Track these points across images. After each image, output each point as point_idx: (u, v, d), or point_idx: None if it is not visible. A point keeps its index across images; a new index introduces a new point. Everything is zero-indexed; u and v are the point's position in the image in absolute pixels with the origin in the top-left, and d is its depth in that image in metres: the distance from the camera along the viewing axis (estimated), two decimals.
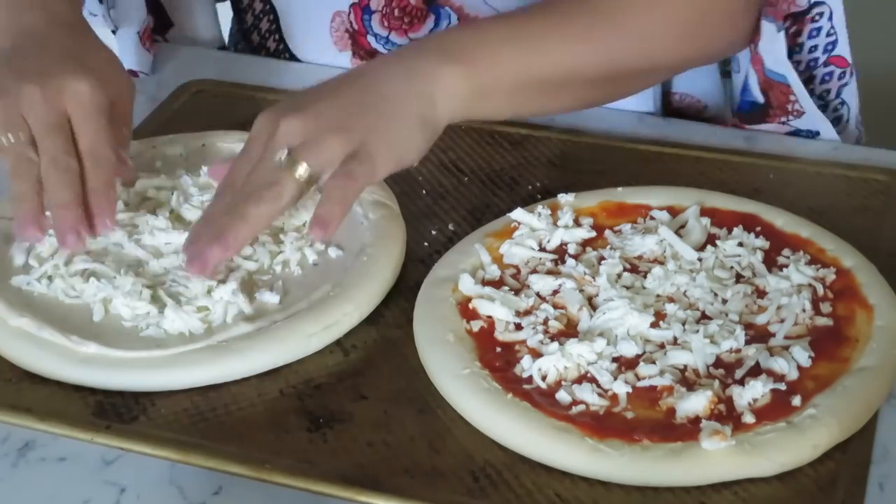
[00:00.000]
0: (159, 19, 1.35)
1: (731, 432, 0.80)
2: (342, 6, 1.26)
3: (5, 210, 1.03)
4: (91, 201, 0.93)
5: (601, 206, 1.03)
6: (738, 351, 0.87)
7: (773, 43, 1.10)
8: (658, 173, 1.10)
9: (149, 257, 0.96)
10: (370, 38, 1.25)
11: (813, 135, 1.15)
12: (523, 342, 0.89)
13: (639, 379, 0.85)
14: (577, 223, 1.00)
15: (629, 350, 0.87)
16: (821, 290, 0.92)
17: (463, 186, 1.10)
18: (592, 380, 0.85)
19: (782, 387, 0.84)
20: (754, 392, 0.83)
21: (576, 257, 0.97)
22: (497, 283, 0.95)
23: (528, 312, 0.92)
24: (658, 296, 0.92)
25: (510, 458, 0.82)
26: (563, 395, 0.84)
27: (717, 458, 0.79)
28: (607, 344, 0.87)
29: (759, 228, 0.99)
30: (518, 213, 1.01)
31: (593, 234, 0.99)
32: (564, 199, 1.03)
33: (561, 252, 0.98)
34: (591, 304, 0.92)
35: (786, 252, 0.97)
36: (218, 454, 0.83)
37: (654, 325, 0.89)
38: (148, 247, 0.97)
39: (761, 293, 0.93)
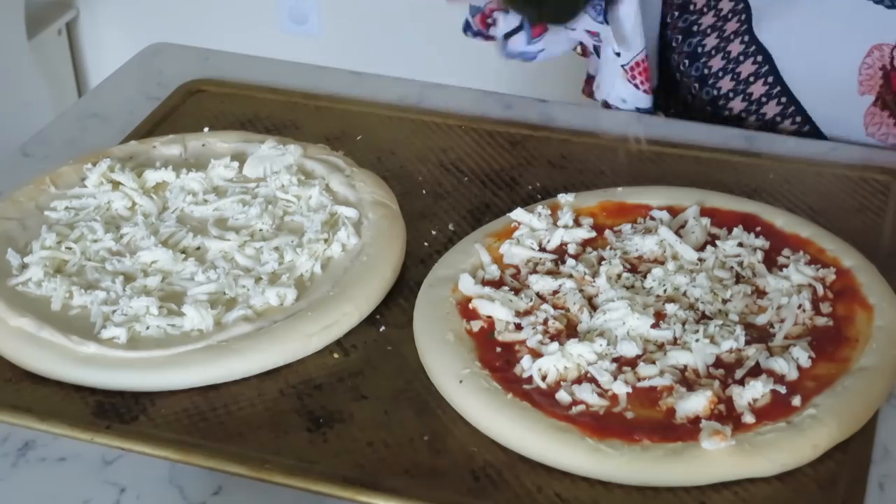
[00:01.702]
0: None
1: (731, 432, 0.80)
2: (888, 38, 1.10)
3: (5, 210, 1.03)
4: None
5: (601, 206, 1.03)
6: (739, 351, 0.87)
7: None
8: (658, 173, 1.10)
9: (144, 269, 0.97)
10: None
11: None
12: (523, 342, 0.89)
13: (639, 379, 0.85)
14: (577, 223, 1.00)
15: (629, 350, 0.87)
16: (821, 290, 0.92)
17: (463, 186, 1.10)
18: (592, 380, 0.85)
19: (782, 387, 0.84)
20: (754, 392, 0.83)
21: (576, 257, 0.97)
22: (497, 283, 0.95)
23: (528, 312, 0.92)
24: (658, 296, 0.92)
25: (510, 458, 0.82)
26: (563, 395, 0.84)
27: (717, 458, 0.79)
28: (607, 344, 0.87)
29: (759, 228, 0.99)
30: (518, 213, 1.01)
31: (593, 234, 0.99)
32: (564, 199, 1.03)
33: (561, 252, 0.98)
34: (591, 304, 0.92)
35: (786, 252, 0.97)
36: (218, 454, 0.83)
37: (655, 325, 0.89)
38: (138, 263, 0.97)
39: (761, 293, 0.93)
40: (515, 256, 0.97)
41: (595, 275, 0.94)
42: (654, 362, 0.86)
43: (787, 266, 0.94)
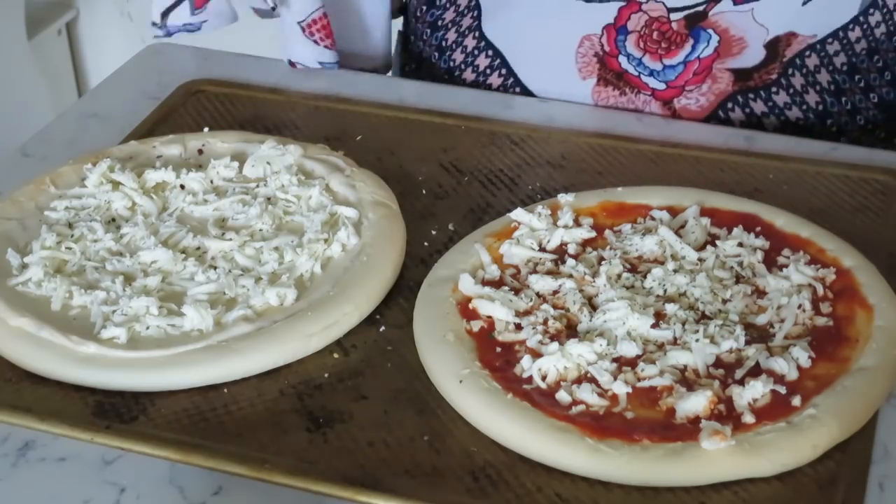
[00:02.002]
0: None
1: (731, 432, 0.80)
2: (594, 29, 1.22)
3: (5, 210, 1.03)
4: None
5: (601, 206, 1.03)
6: (739, 351, 0.87)
7: None
8: (658, 173, 1.10)
9: (143, 269, 0.97)
10: (622, 59, 1.22)
11: None
12: (523, 342, 0.89)
13: (639, 379, 0.85)
14: (577, 223, 1.00)
15: (629, 350, 0.87)
16: (821, 290, 0.92)
17: (463, 186, 1.10)
18: (592, 380, 0.85)
19: (782, 387, 0.84)
20: (754, 392, 0.83)
21: (576, 257, 0.97)
22: (497, 283, 0.95)
23: (528, 312, 0.92)
24: (658, 296, 0.92)
25: (510, 458, 0.82)
26: (563, 395, 0.84)
27: (717, 458, 0.79)
28: (607, 344, 0.87)
29: (759, 228, 0.99)
30: (518, 213, 1.01)
31: (593, 234, 0.99)
32: (564, 199, 1.03)
33: (561, 252, 0.98)
34: (591, 304, 0.92)
35: (786, 252, 0.97)
36: (218, 454, 0.83)
37: (655, 325, 0.89)
38: (138, 263, 0.97)
39: (761, 293, 0.93)
40: (515, 256, 0.97)
41: (595, 275, 0.94)
42: (654, 362, 0.86)
43: (787, 266, 0.94)
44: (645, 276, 0.94)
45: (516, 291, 0.93)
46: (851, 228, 1.01)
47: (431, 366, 0.89)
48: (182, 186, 1.05)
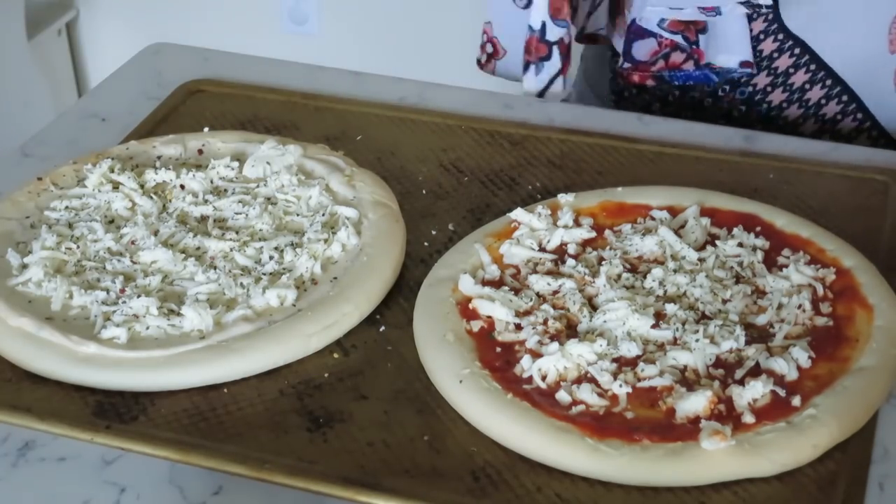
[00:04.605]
0: None
1: (731, 432, 0.80)
2: None
3: (5, 210, 1.03)
4: None
5: (601, 206, 1.03)
6: (738, 351, 0.87)
7: None
8: (658, 173, 1.10)
9: (143, 270, 0.96)
10: None
11: None
12: (523, 342, 0.89)
13: (639, 379, 0.85)
14: (577, 223, 1.00)
15: (629, 350, 0.87)
16: (821, 290, 0.92)
17: (463, 186, 1.10)
18: (592, 380, 0.85)
19: (782, 387, 0.84)
20: (754, 392, 0.83)
21: (576, 257, 0.97)
22: (497, 283, 0.95)
23: (528, 312, 0.92)
24: (658, 296, 0.92)
25: (510, 458, 0.83)
26: (563, 395, 0.84)
27: (717, 458, 0.79)
28: (607, 344, 0.87)
29: (759, 228, 0.99)
30: (518, 213, 1.01)
31: (593, 234, 0.99)
32: (564, 199, 1.03)
33: (561, 252, 0.98)
34: (591, 304, 0.92)
35: (786, 252, 0.97)
36: (218, 454, 0.83)
37: (655, 325, 0.89)
38: (139, 263, 0.97)
39: (761, 293, 0.93)
40: (515, 256, 0.97)
41: (595, 275, 0.94)
42: (654, 362, 0.86)
43: (787, 266, 0.94)
44: (645, 277, 0.94)
45: (516, 291, 0.93)
46: (851, 228, 1.01)
47: (431, 366, 0.89)
48: (182, 186, 1.05)
